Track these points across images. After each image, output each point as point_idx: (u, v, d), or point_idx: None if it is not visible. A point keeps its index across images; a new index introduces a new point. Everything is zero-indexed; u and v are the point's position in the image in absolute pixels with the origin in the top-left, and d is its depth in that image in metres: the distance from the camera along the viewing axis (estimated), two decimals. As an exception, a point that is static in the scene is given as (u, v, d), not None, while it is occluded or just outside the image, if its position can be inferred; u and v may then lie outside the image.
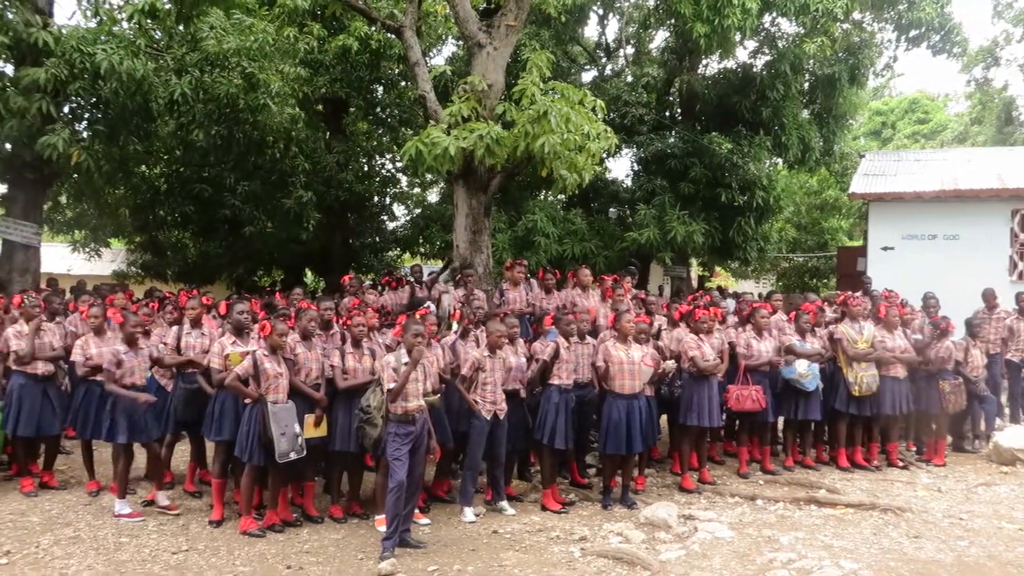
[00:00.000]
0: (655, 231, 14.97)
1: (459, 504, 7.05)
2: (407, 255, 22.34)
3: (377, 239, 20.76)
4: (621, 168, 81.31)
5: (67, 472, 8.13)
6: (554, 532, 6.56)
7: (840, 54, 16.53)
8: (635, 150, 17.31)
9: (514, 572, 5.69)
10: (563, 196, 17.34)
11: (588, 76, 19.86)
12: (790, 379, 8.27)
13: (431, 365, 6.49)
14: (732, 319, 9.31)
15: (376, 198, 19.88)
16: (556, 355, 7.27)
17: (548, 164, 9.15)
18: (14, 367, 7.29)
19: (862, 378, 8.46)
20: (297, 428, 6.44)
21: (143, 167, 16.56)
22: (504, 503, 7.16)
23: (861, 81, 17.33)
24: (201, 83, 11.71)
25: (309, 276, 22.54)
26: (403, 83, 18.29)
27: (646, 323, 7.87)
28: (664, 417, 8.49)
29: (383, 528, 6.20)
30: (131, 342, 6.78)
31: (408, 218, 21.69)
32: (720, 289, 16.85)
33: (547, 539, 6.41)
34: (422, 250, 20.41)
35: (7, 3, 10.86)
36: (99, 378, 7.24)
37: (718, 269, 25.69)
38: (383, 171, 20.15)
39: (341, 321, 7.44)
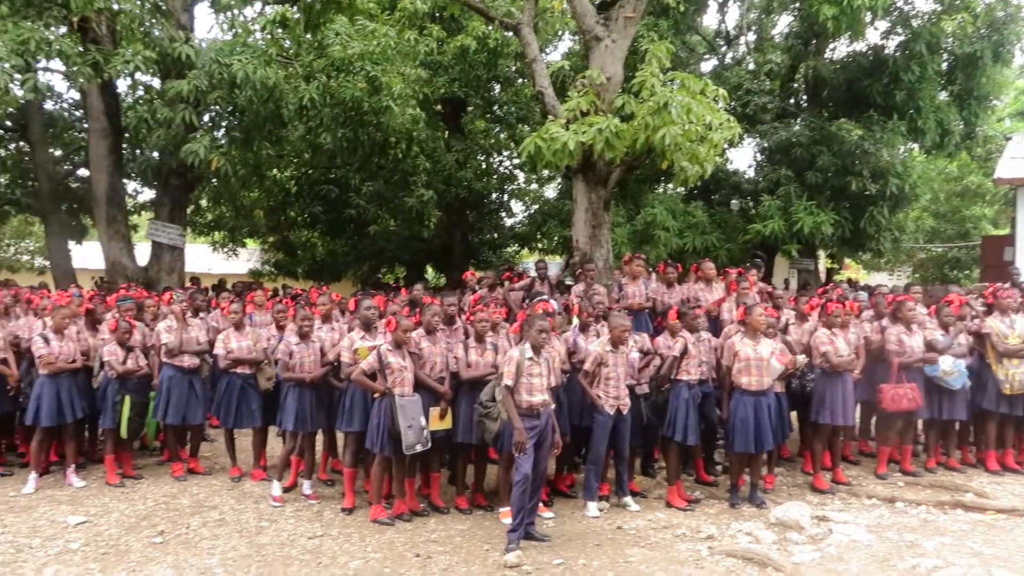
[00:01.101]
0: (780, 222, 14.44)
1: (583, 499, 7.03)
2: (525, 251, 22.50)
3: (495, 235, 21.01)
4: (743, 159, 78.80)
5: (211, 459, 8.63)
6: (680, 530, 6.45)
7: (982, 31, 15.41)
8: (758, 139, 16.76)
9: (640, 568, 5.62)
10: (683, 188, 17.04)
11: (708, 65, 19.36)
12: (933, 376, 7.80)
13: (554, 360, 6.50)
14: (867, 313, 8.86)
15: (494, 195, 20.10)
16: (685, 351, 7.13)
17: (669, 156, 8.99)
18: (164, 360, 7.80)
19: (1013, 375, 7.89)
20: (423, 421, 6.58)
21: (275, 170, 17.43)
22: (628, 499, 7.09)
23: (1006, 59, 16.08)
24: (328, 88, 12.16)
25: (430, 272, 23.08)
26: (520, 80, 18.43)
27: (774, 317, 7.61)
28: (795, 414, 8.18)
29: (508, 520, 6.26)
30: (303, 335, 7.17)
31: (526, 214, 21.84)
32: (850, 282, 16.10)
33: (673, 536, 6.30)
34: (540, 246, 20.48)
35: (154, 21, 11.63)
36: (239, 370, 7.70)
37: (848, 261, 24.54)
38: (501, 168, 20.37)
39: (464, 316, 7.56)
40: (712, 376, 7.52)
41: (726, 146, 11.03)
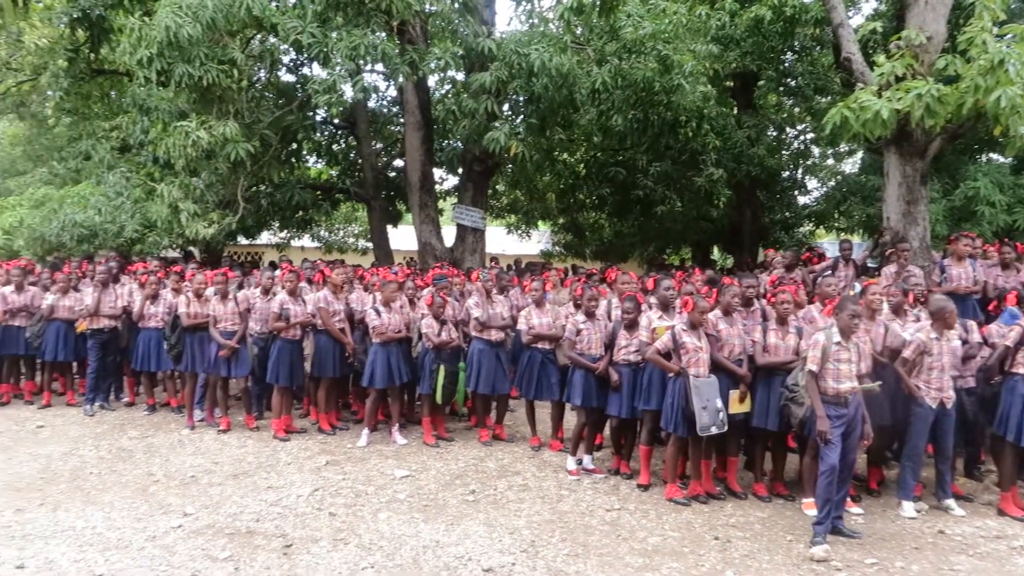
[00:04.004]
0: None
1: (897, 497, 6.49)
2: (821, 230, 21.16)
3: (788, 214, 19.97)
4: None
5: (512, 427, 9.20)
6: (1018, 541, 5.73)
7: None
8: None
9: (968, 580, 5.10)
10: (1013, 159, 14.93)
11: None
12: None
13: (865, 345, 6.06)
14: None
15: (787, 172, 19.10)
16: (1021, 340, 6.29)
17: (1004, 121, 7.92)
18: (473, 333, 8.43)
19: None
20: (719, 403, 6.47)
21: (565, 154, 18.01)
22: (950, 501, 6.43)
23: None
24: (619, 70, 12.29)
25: (716, 253, 22.55)
26: (817, 49, 17.28)
27: None
28: None
29: (812, 512, 5.98)
30: (589, 314, 7.43)
31: (821, 191, 20.50)
32: None
33: (1008, 548, 5.62)
34: (838, 224, 19.15)
35: (460, 19, 12.51)
36: (540, 345, 8.09)
37: None
38: (794, 144, 19.29)
39: (765, 298, 7.30)
40: None
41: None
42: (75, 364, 10.31)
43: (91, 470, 7.29)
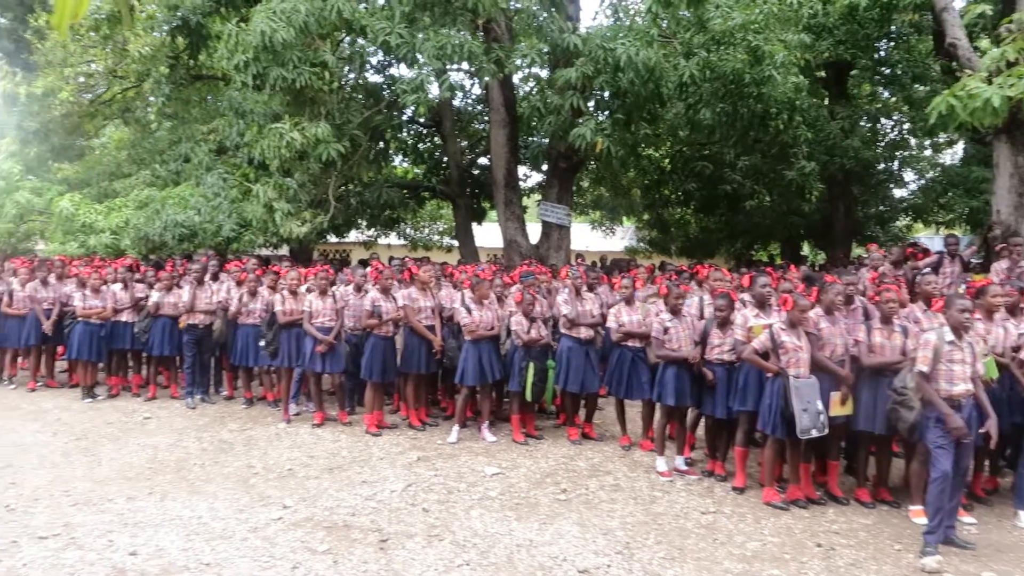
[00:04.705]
0: None
1: (1014, 507, 6.16)
2: (918, 224, 20.30)
3: (883, 208, 19.25)
4: None
5: (601, 426, 9.13)
6: None
7: None
8: None
9: (1097, 597, 4.78)
10: None
11: None
12: None
13: (977, 345, 5.75)
14: None
15: (882, 164, 18.40)
16: None
17: None
18: (563, 331, 8.39)
19: None
20: (820, 405, 6.25)
21: (650, 150, 17.78)
22: (1072, 512, 6.06)
23: None
24: (708, 63, 12.05)
25: (806, 249, 21.91)
26: (915, 35, 16.57)
27: None
28: None
29: (920, 520, 5.72)
30: (675, 312, 7.32)
31: (919, 184, 19.67)
32: None
33: None
34: (938, 218, 18.34)
35: (546, 15, 12.48)
36: (630, 343, 7.99)
37: None
38: (890, 134, 18.56)
39: (868, 296, 7.02)
40: None
41: None
42: (179, 358, 10.74)
43: (195, 461, 7.56)
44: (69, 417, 9.27)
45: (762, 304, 6.89)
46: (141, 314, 10.39)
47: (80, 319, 10.16)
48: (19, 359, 11.47)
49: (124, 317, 10.43)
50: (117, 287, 10.50)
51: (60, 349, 11.27)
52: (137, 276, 11.03)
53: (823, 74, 17.35)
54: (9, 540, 5.51)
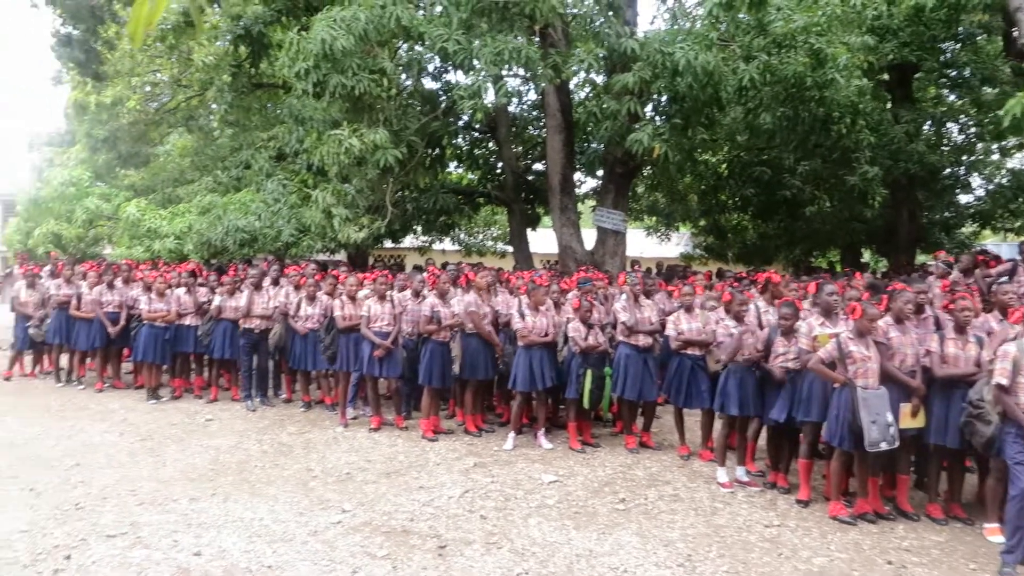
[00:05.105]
0: None
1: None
2: (985, 231, 19.63)
3: (948, 214, 18.65)
4: None
5: (659, 435, 9.00)
6: None
7: None
8: None
9: None
10: None
11: None
12: None
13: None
14: None
15: (948, 169, 17.84)
16: None
17: None
18: (620, 338, 8.30)
19: None
20: (889, 417, 6.06)
21: (707, 154, 17.54)
22: None
23: None
24: (768, 66, 11.82)
25: (867, 255, 21.36)
26: (983, 36, 16.04)
27: None
28: None
29: (997, 538, 5.51)
30: (739, 319, 7.21)
31: (987, 189, 19.01)
32: None
33: None
34: (1008, 225, 17.70)
35: (603, 20, 12.39)
36: (689, 351, 7.87)
37: None
38: (956, 138, 17.99)
39: (940, 304, 6.80)
40: None
41: None
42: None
43: (255, 463, 7.67)
44: (135, 418, 9.50)
45: (828, 312, 6.71)
46: (204, 318, 10.61)
47: (145, 322, 10.42)
48: (87, 360, 11.80)
49: (187, 321, 10.67)
50: (181, 291, 10.74)
51: (126, 351, 11.57)
52: (200, 280, 11.27)
53: (887, 77, 16.88)
54: (79, 538, 5.65)
